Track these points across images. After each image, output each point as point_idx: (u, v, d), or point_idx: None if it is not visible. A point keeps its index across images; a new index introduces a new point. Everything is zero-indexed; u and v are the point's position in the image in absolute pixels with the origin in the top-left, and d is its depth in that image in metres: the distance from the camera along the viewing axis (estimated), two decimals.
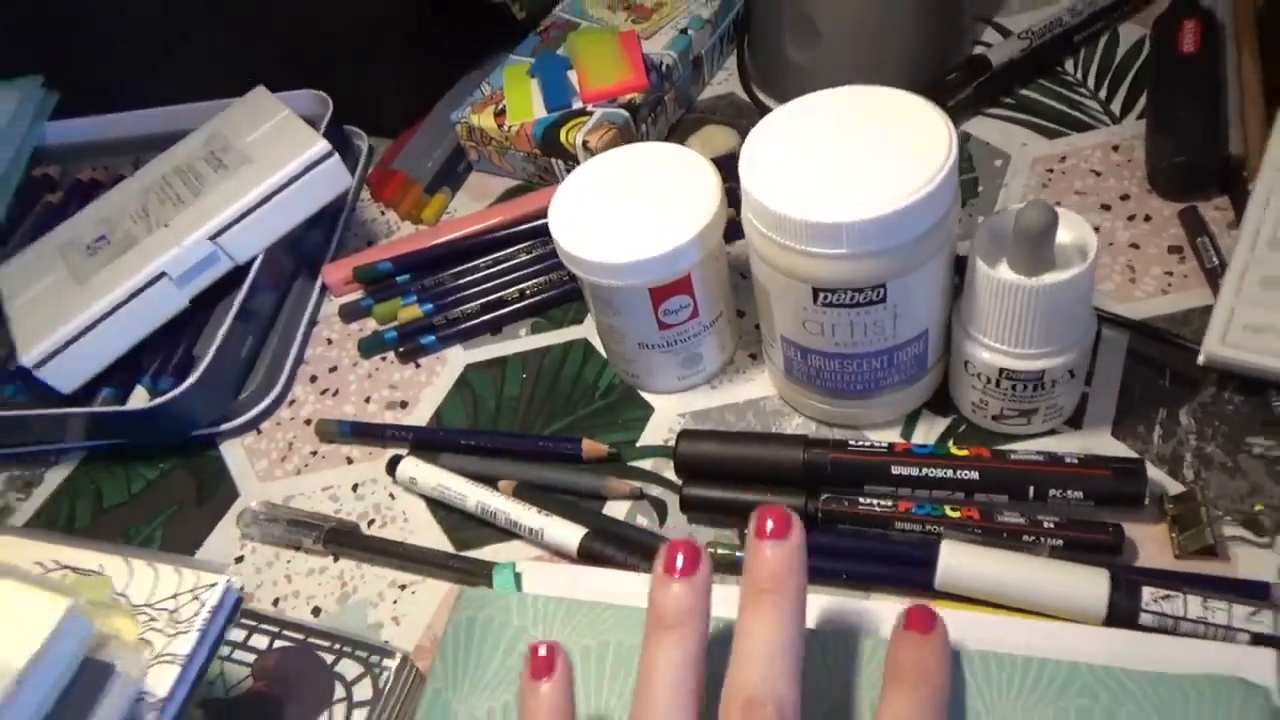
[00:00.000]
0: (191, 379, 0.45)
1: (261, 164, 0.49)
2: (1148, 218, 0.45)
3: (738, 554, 0.37)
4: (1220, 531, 0.34)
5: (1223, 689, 0.28)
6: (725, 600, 0.31)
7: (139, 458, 0.48)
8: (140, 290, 0.47)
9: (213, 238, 0.48)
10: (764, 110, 0.56)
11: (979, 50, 0.54)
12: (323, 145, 0.49)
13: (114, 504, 0.47)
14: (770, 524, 0.27)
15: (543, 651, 0.27)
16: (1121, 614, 0.32)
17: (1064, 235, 0.34)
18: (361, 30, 0.59)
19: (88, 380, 0.48)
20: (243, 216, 0.48)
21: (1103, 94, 0.51)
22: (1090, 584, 0.32)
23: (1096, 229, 0.45)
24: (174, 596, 0.32)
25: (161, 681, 0.30)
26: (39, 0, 0.61)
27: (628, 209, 0.39)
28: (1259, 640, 0.30)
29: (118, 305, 0.47)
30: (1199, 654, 0.30)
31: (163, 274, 0.47)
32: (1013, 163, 0.49)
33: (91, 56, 0.64)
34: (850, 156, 0.34)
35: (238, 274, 0.50)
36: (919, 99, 0.35)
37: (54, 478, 0.49)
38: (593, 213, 0.40)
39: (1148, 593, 0.32)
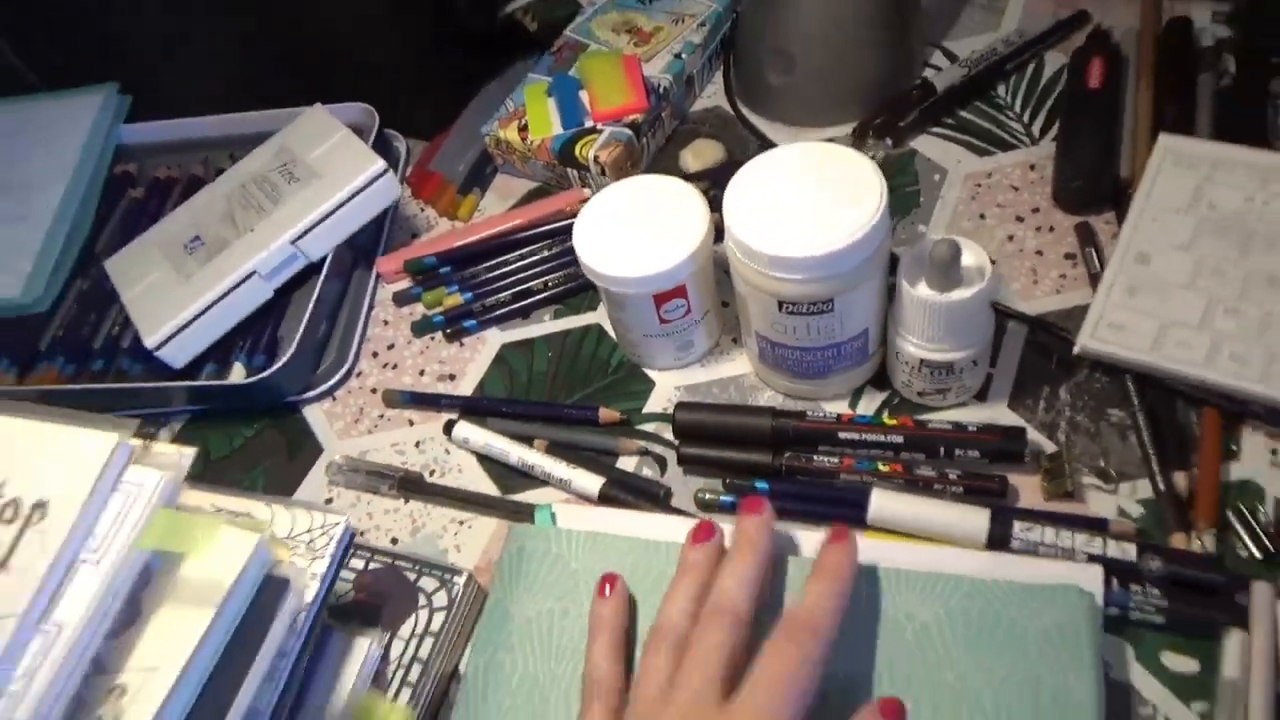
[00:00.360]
0: (283, 359, 0.56)
1: (329, 179, 0.60)
2: (1051, 228, 0.56)
3: (721, 498, 0.49)
4: (1079, 481, 0.46)
5: (1062, 593, 0.41)
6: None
7: (236, 419, 0.60)
8: (236, 286, 0.58)
9: (293, 242, 0.58)
10: (746, 124, 0.66)
11: (928, 73, 0.64)
12: (380, 164, 0.60)
13: (219, 457, 0.59)
14: (750, 506, 0.42)
15: (608, 582, 0.43)
16: (997, 540, 0.44)
17: (968, 259, 0.45)
18: (395, 44, 0.69)
19: (194, 358, 0.58)
20: (316, 224, 0.59)
21: (1026, 117, 0.61)
22: (976, 519, 0.44)
23: (1010, 237, 0.56)
24: (308, 531, 0.43)
25: (309, 594, 0.41)
26: (106, 19, 0.71)
27: (635, 231, 0.50)
28: (1093, 559, 0.42)
29: (219, 298, 0.57)
30: (1050, 569, 0.42)
31: (254, 272, 0.58)
32: (949, 177, 0.60)
33: (155, 67, 0.73)
34: (806, 202, 0.45)
35: (311, 268, 0.60)
36: (860, 156, 0.46)
37: (165, 436, 0.60)
38: (609, 235, 0.51)
39: (1018, 525, 0.44)
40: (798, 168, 0.46)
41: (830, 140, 0.50)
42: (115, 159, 0.73)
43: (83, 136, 0.70)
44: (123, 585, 0.35)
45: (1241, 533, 0.43)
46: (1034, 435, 0.48)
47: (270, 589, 0.38)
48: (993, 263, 0.45)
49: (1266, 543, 0.42)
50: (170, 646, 0.35)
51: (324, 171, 0.60)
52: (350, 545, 0.44)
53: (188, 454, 0.38)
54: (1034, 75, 0.63)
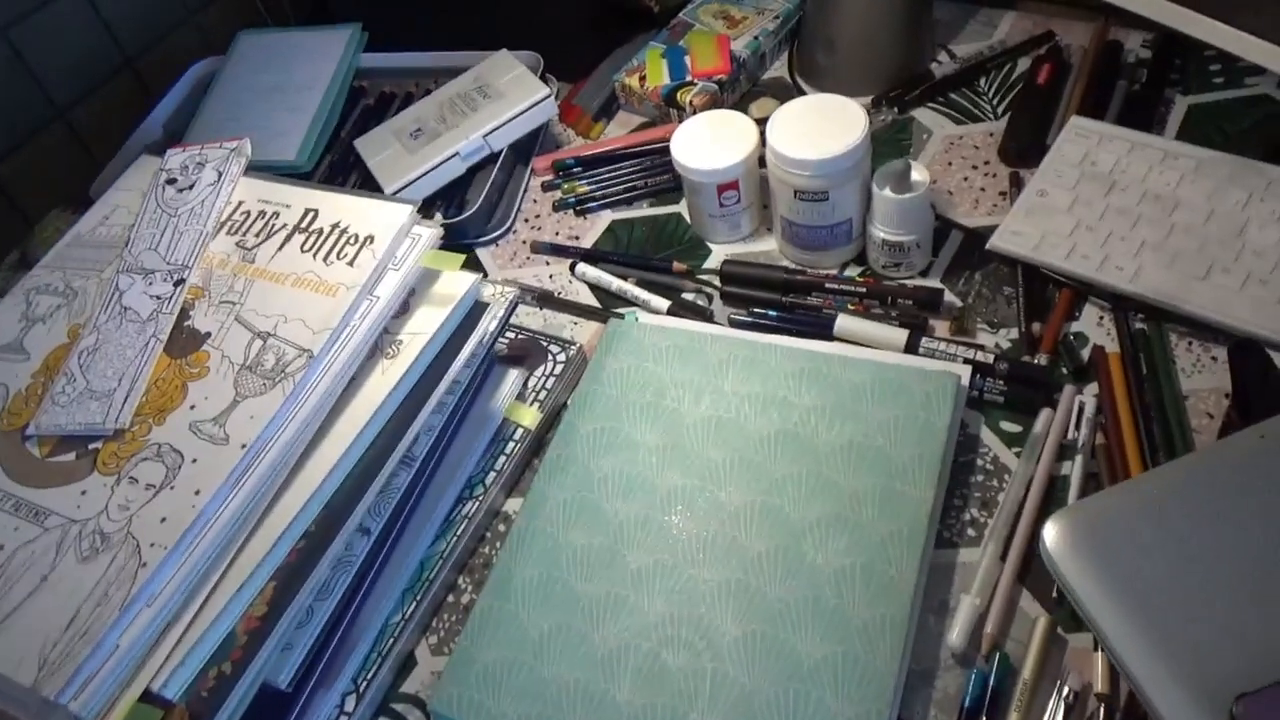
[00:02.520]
0: (468, 212, 0.86)
1: (511, 97, 0.89)
2: (994, 175, 0.81)
3: (745, 318, 0.76)
4: (974, 324, 0.72)
5: (942, 376, 0.67)
6: (726, 333, 0.70)
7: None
8: (443, 162, 0.87)
9: (484, 136, 0.87)
10: (799, 90, 0.93)
11: (933, 66, 0.90)
12: (545, 91, 0.88)
13: None
14: None
15: None
16: (911, 347, 0.70)
17: (915, 174, 0.72)
18: (563, 13, 0.98)
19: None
20: (500, 127, 0.88)
21: (994, 101, 0.87)
22: (899, 334, 0.71)
23: (965, 178, 0.82)
24: (494, 294, 0.72)
25: (491, 326, 0.70)
26: None
27: (710, 143, 0.78)
28: (966, 362, 0.69)
29: (433, 168, 0.87)
30: (939, 365, 0.68)
31: (456, 154, 0.87)
32: (934, 137, 0.86)
33: (394, 13, 1.03)
34: (817, 129, 0.72)
35: (492, 156, 0.89)
36: (854, 103, 0.72)
37: None
38: (693, 143, 0.78)
39: (925, 340, 0.70)
40: (815, 109, 0.73)
41: None
42: (355, 76, 1.03)
43: (336, 58, 1.01)
44: (407, 284, 0.64)
45: (1065, 358, 0.69)
46: (951, 297, 0.74)
47: (476, 310, 0.67)
48: (933, 181, 0.71)
49: (1078, 363, 0.68)
50: (425, 324, 0.64)
51: (507, 93, 0.89)
52: (516, 306, 0.72)
53: (440, 227, 0.67)
54: (1006, 74, 0.89)
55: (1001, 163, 0.82)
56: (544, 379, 0.75)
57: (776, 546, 0.61)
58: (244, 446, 0.56)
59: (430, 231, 0.65)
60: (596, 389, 0.72)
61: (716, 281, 0.80)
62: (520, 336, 0.78)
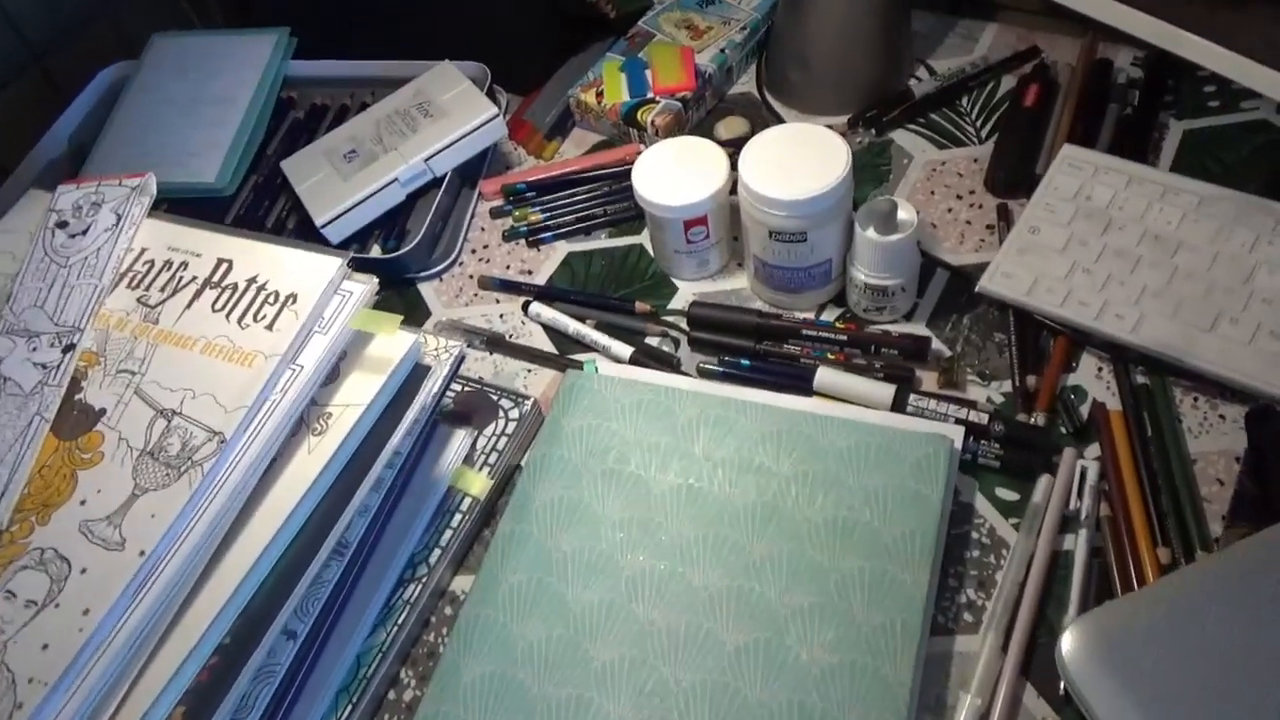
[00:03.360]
0: (409, 245, 0.78)
1: (455, 116, 0.81)
2: (980, 206, 0.76)
3: (715, 368, 0.70)
4: (963, 377, 0.67)
5: (933, 439, 0.61)
6: (696, 386, 0.64)
7: None
8: (382, 189, 0.79)
9: (425, 160, 0.79)
10: (769, 108, 0.86)
11: (912, 82, 0.84)
12: (493, 109, 0.80)
13: None
14: None
15: None
16: (898, 405, 0.64)
17: (902, 214, 0.65)
18: (510, 22, 0.90)
19: (346, 238, 0.80)
20: (443, 149, 0.80)
21: (978, 124, 0.81)
22: (885, 391, 0.65)
23: (949, 209, 0.76)
24: (435, 350, 0.64)
25: (435, 390, 0.63)
26: None
27: (675, 174, 0.71)
28: (958, 422, 0.63)
29: (369, 195, 0.78)
30: (929, 426, 0.62)
31: (395, 180, 0.79)
32: (914, 162, 0.80)
33: (317, 19, 0.94)
34: (794, 163, 0.65)
35: (434, 181, 0.81)
36: (835, 135, 0.66)
37: None
38: (656, 174, 0.71)
39: (913, 397, 0.64)
40: (793, 139, 0.67)
41: (829, 126, 0.70)
42: (283, 86, 0.94)
43: (261, 66, 0.92)
44: (336, 349, 0.56)
45: (1064, 416, 0.63)
46: (939, 345, 0.69)
47: (417, 373, 0.60)
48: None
49: (1077, 423, 0.63)
50: (358, 394, 0.57)
51: (451, 111, 0.81)
52: (460, 363, 0.65)
53: (375, 280, 0.59)
54: (990, 92, 0.83)
55: (988, 192, 0.77)
56: (494, 439, 0.67)
57: (756, 640, 0.55)
58: (143, 554, 0.48)
59: (362, 288, 0.58)
60: (553, 452, 0.65)
61: (683, 324, 0.74)
62: (467, 390, 0.70)
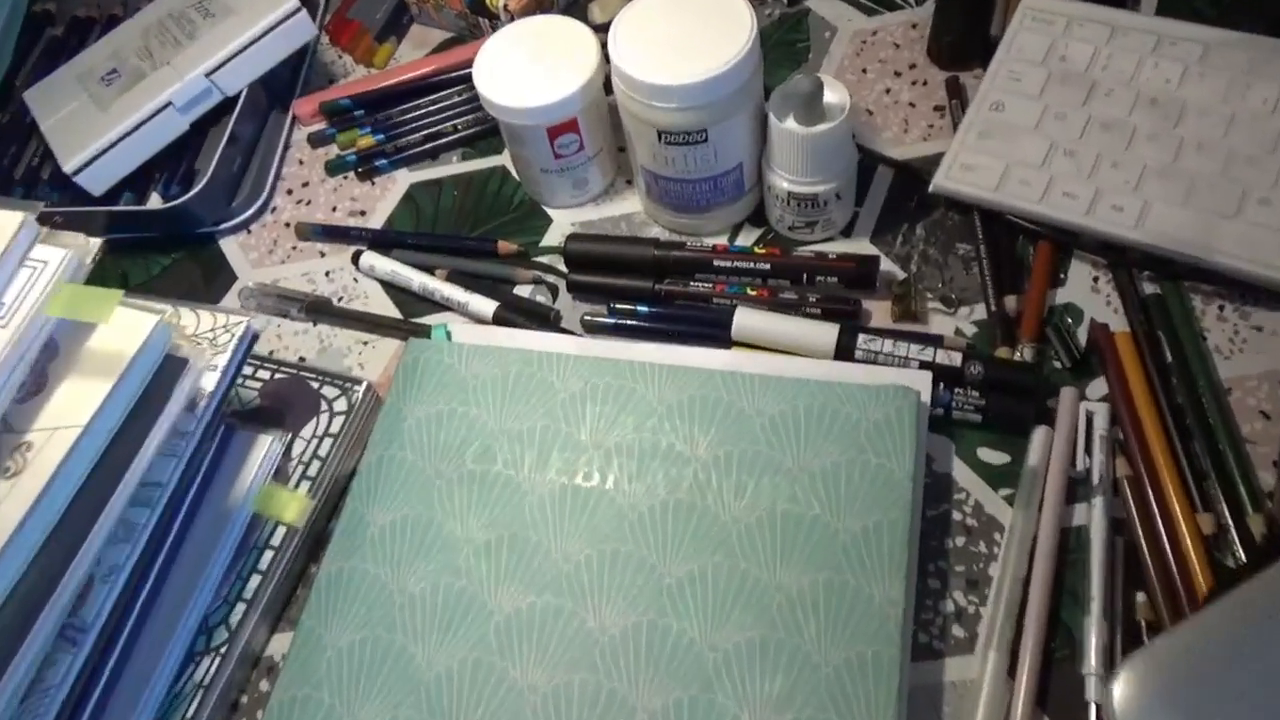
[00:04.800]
0: (195, 189, 0.59)
1: (244, 15, 0.61)
2: (925, 83, 0.60)
3: (603, 319, 0.53)
4: (923, 305, 0.51)
5: (892, 393, 0.46)
6: (581, 347, 0.47)
7: (156, 249, 0.62)
8: (152, 116, 0.59)
9: (208, 75, 0.60)
10: None
11: None
12: (293, 1, 0.61)
13: (138, 283, 0.61)
14: None
15: None
16: (843, 351, 0.49)
17: (830, 96, 0.49)
18: None
19: (112, 186, 0.61)
20: (230, 59, 0.60)
21: None
22: (825, 332, 0.49)
23: (887, 90, 0.60)
24: (212, 330, 0.47)
25: (210, 382, 0.45)
26: None
27: (531, 67, 0.53)
28: (924, 366, 0.48)
29: (135, 127, 0.59)
30: (885, 374, 0.47)
31: (169, 104, 0.60)
32: (838, 35, 0.63)
33: None
34: (684, 38, 0.48)
35: (227, 104, 0.62)
36: None
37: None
38: (506, 69, 0.53)
39: (861, 338, 0.49)
40: (677, 6, 0.49)
41: None
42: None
43: None
44: (29, 350, 0.38)
45: (1057, 346, 0.49)
46: (889, 266, 0.53)
47: (170, 368, 0.42)
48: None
49: (1076, 353, 0.48)
50: (74, 410, 0.39)
51: (239, 8, 0.62)
52: (252, 344, 0.47)
53: (95, 241, 0.41)
54: None
55: (933, 65, 0.60)
56: (315, 442, 0.50)
57: (678, 702, 0.40)
58: None
59: (63, 254, 0.39)
60: (393, 454, 0.48)
61: (561, 266, 0.57)
62: (279, 378, 0.53)
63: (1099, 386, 0.47)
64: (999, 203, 0.51)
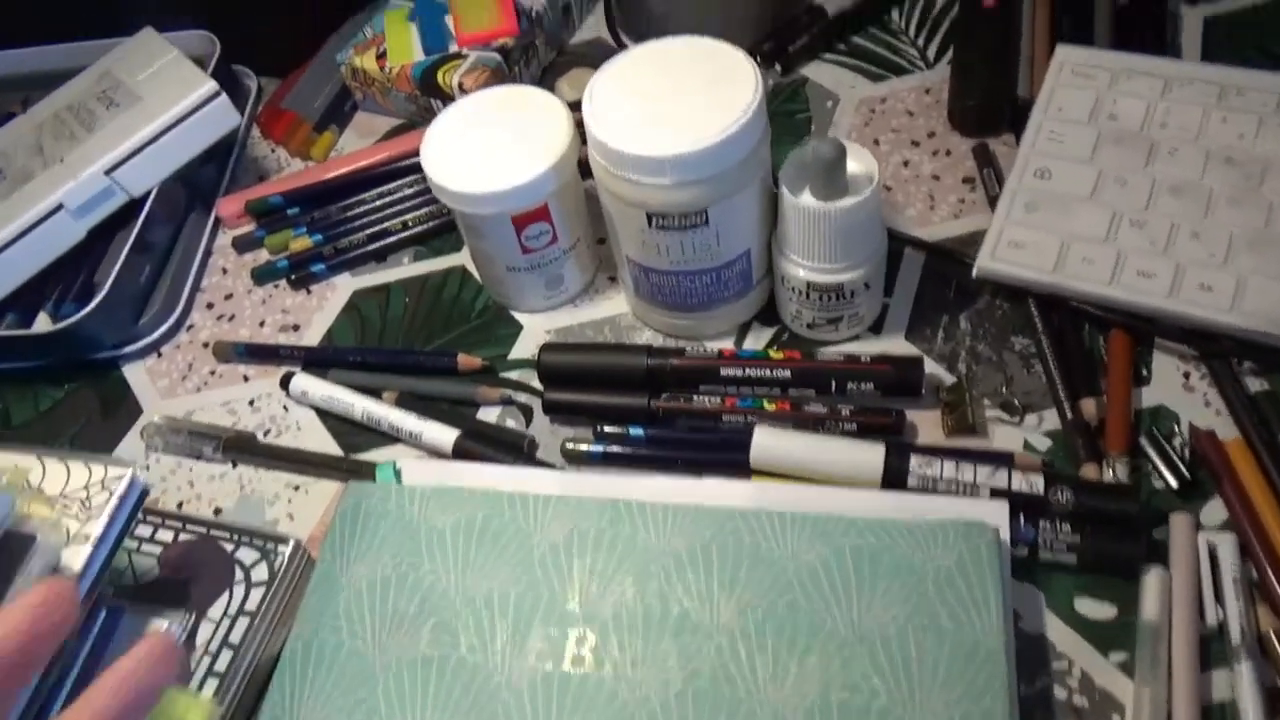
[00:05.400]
0: (91, 305, 0.49)
1: (152, 102, 0.52)
2: (948, 152, 0.52)
3: (590, 448, 0.43)
4: (981, 414, 0.42)
5: (962, 530, 0.36)
6: (563, 483, 0.37)
7: (45, 379, 0.52)
8: (39, 222, 0.50)
9: (108, 172, 0.51)
10: None
11: (817, 0, 0.60)
12: (211, 85, 0.53)
13: (22, 422, 0.51)
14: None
15: None
16: (893, 478, 0.39)
17: (854, 165, 0.41)
18: None
19: None
20: (136, 152, 0.51)
21: (920, 41, 0.57)
22: (869, 455, 0.39)
23: (906, 163, 0.52)
24: (85, 487, 0.36)
25: (77, 559, 0.34)
26: None
27: (490, 145, 0.44)
28: (996, 494, 0.38)
29: (17, 236, 0.49)
30: (950, 506, 0.37)
31: (60, 207, 0.50)
32: (842, 104, 0.55)
33: None
34: (675, 99, 0.39)
35: (135, 205, 0.53)
36: (734, 49, 0.41)
37: None
38: (461, 149, 0.45)
39: (914, 460, 0.39)
40: (665, 64, 0.41)
41: None
42: None
43: None
44: None
45: (1156, 461, 0.39)
46: (933, 368, 0.44)
47: (12, 547, 0.31)
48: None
49: (1183, 470, 0.38)
50: None
51: (146, 96, 0.53)
52: (140, 502, 0.37)
53: None
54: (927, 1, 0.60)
55: (955, 132, 0.53)
56: (226, 624, 0.39)
57: None
58: None
59: None
60: (325, 638, 0.38)
61: (535, 382, 0.47)
62: (184, 539, 0.42)
63: (1215, 510, 0.38)
64: (1059, 286, 0.43)
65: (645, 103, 0.40)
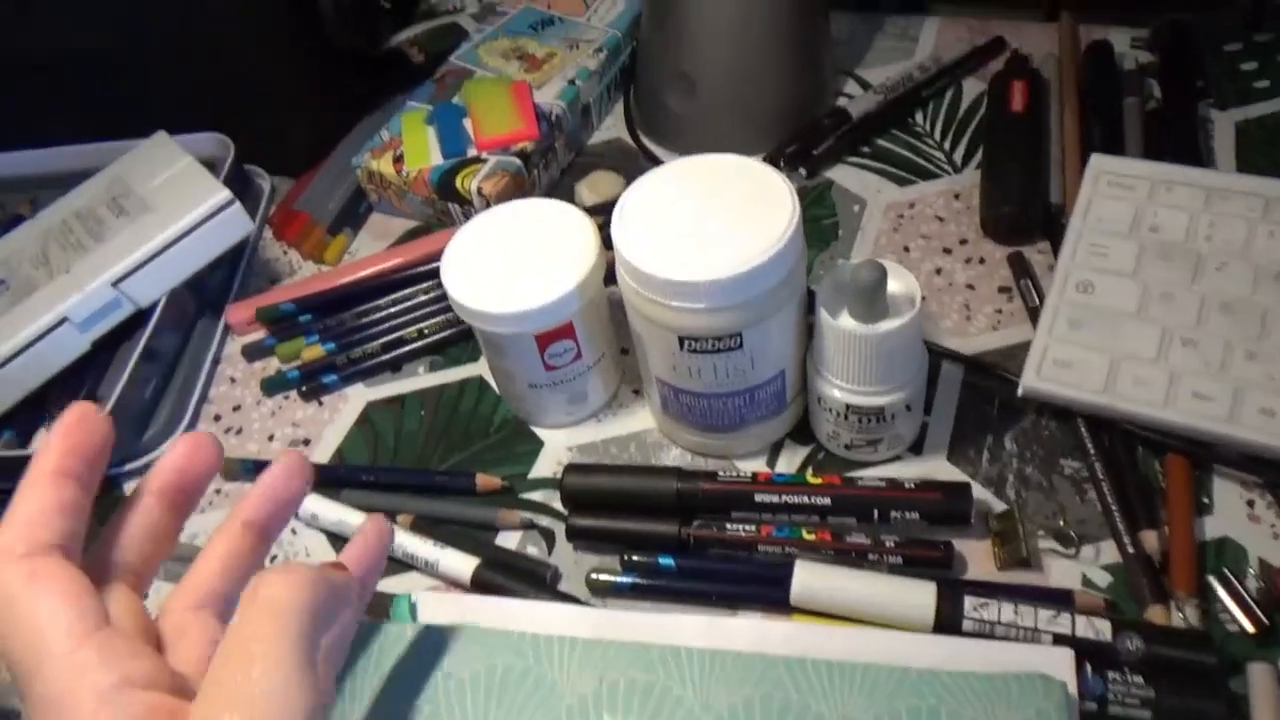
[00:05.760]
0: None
1: (164, 211, 0.51)
2: (982, 260, 0.50)
3: (618, 579, 0.41)
4: (1035, 546, 0.40)
5: (1028, 684, 0.33)
6: (592, 623, 0.34)
7: None
8: (42, 336, 0.48)
9: (115, 284, 0.49)
10: (649, 155, 0.60)
11: (841, 101, 0.59)
12: (224, 194, 0.51)
13: None
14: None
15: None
16: (947, 621, 0.36)
17: (894, 286, 0.39)
18: (265, 72, 0.61)
19: None
20: (145, 263, 0.50)
21: (947, 145, 0.57)
22: (920, 596, 0.37)
23: (938, 270, 0.50)
24: None
25: None
26: None
27: (514, 261, 0.43)
28: (1060, 640, 0.35)
29: (19, 351, 0.48)
30: (1011, 655, 0.35)
31: (65, 319, 0.48)
32: (869, 208, 0.54)
33: None
34: (709, 220, 0.38)
35: (141, 314, 0.51)
36: (769, 169, 0.39)
37: None
38: (482, 264, 0.43)
39: (969, 602, 0.36)
40: (697, 183, 0.40)
41: None
42: None
43: None
44: None
45: (1229, 603, 0.37)
46: (979, 492, 0.42)
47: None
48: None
49: (1259, 613, 0.36)
50: None
51: (158, 204, 0.52)
52: None
53: None
54: (952, 102, 0.59)
55: (988, 239, 0.51)
56: None
57: None
58: None
59: None
60: None
61: (558, 504, 0.45)
62: None
63: None
64: (1111, 408, 0.41)
65: (677, 224, 0.38)
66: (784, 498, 0.41)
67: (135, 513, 0.28)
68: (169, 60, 0.60)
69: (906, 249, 0.52)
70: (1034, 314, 0.47)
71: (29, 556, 0.24)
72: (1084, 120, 0.54)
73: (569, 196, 0.58)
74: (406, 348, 0.52)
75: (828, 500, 0.41)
